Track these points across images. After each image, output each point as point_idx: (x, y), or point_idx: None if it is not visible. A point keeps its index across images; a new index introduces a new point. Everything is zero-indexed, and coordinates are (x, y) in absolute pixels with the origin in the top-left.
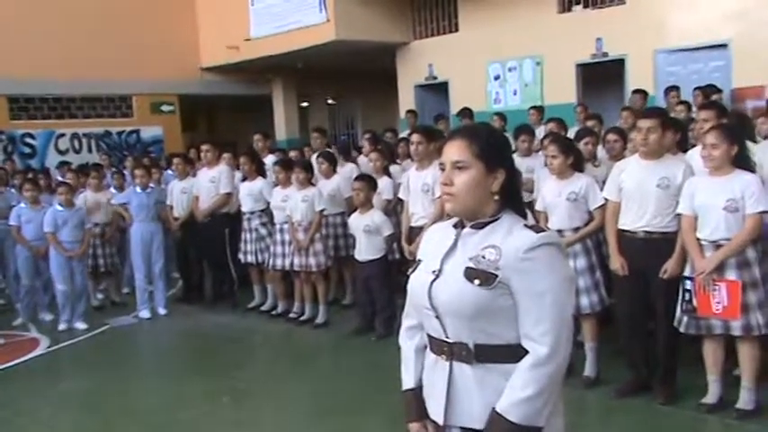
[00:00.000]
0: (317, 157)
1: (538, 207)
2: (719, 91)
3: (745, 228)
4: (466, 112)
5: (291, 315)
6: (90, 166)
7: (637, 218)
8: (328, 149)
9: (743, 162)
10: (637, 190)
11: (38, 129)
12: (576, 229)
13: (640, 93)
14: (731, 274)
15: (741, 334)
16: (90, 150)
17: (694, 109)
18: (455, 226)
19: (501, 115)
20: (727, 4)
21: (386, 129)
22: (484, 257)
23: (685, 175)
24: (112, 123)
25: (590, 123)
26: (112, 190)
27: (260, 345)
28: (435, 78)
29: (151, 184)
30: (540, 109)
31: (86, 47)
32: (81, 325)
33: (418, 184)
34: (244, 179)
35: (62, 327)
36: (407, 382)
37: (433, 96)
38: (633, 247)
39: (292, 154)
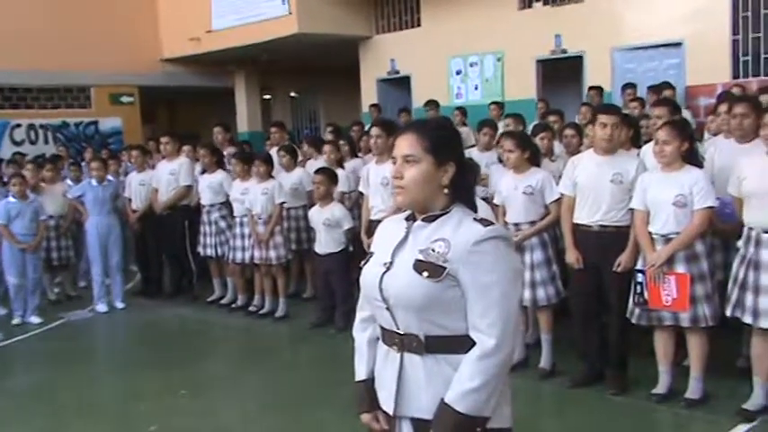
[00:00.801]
0: (279, 150)
1: (495, 201)
2: (672, 87)
3: (693, 222)
4: (432, 104)
5: (251, 308)
6: (48, 158)
7: (591, 212)
8: (290, 143)
9: (693, 158)
10: (591, 185)
11: None
12: (533, 223)
13: (596, 89)
14: (680, 268)
15: (689, 325)
16: (47, 142)
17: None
18: (407, 219)
19: (462, 110)
20: (682, 4)
21: (353, 122)
22: (433, 250)
23: (638, 171)
24: (70, 114)
25: (552, 119)
26: (69, 182)
27: (219, 338)
28: (398, 73)
29: (109, 177)
30: (500, 104)
31: (44, 36)
32: (35, 319)
33: (378, 177)
34: (203, 172)
35: (16, 321)
36: (360, 373)
37: (395, 90)
38: (588, 240)
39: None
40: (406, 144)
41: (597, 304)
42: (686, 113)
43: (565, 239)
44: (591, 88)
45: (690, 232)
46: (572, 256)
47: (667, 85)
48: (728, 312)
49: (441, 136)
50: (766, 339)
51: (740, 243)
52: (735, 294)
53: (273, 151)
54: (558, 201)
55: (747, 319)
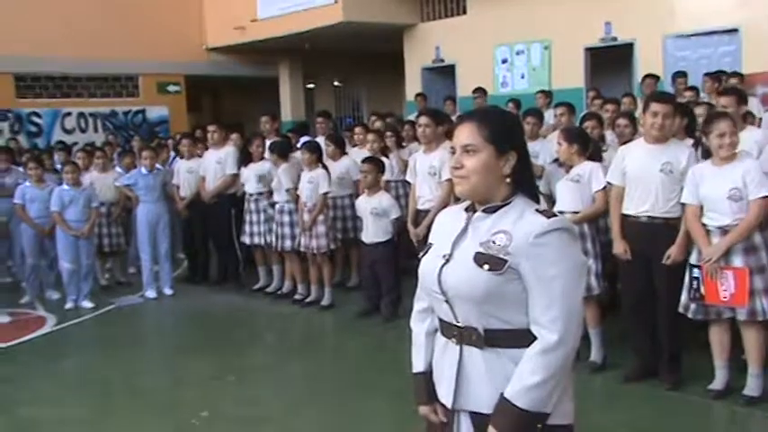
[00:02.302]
0: (325, 139)
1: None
2: (739, 75)
3: (749, 213)
4: (480, 92)
5: (297, 297)
6: (98, 146)
7: (640, 202)
8: (335, 132)
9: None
10: (640, 174)
11: (44, 107)
12: (576, 213)
13: (652, 77)
14: (738, 260)
15: (746, 319)
16: (96, 130)
17: (702, 94)
18: (466, 210)
19: (516, 101)
20: None
21: (386, 113)
22: (494, 242)
23: (689, 160)
24: (119, 103)
25: (609, 107)
26: (118, 170)
27: (265, 326)
28: (442, 61)
29: (158, 165)
30: (547, 93)
31: (93, 26)
32: (87, 304)
33: (425, 166)
34: (248, 161)
35: (69, 305)
36: (418, 365)
37: (440, 79)
38: (636, 231)
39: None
40: (466, 133)
41: (647, 297)
42: (754, 102)
43: (612, 230)
44: (647, 76)
45: (746, 224)
46: (620, 247)
47: (734, 72)
48: None
49: (501, 125)
50: None
51: None
52: None
53: (321, 140)
54: (604, 190)
55: None
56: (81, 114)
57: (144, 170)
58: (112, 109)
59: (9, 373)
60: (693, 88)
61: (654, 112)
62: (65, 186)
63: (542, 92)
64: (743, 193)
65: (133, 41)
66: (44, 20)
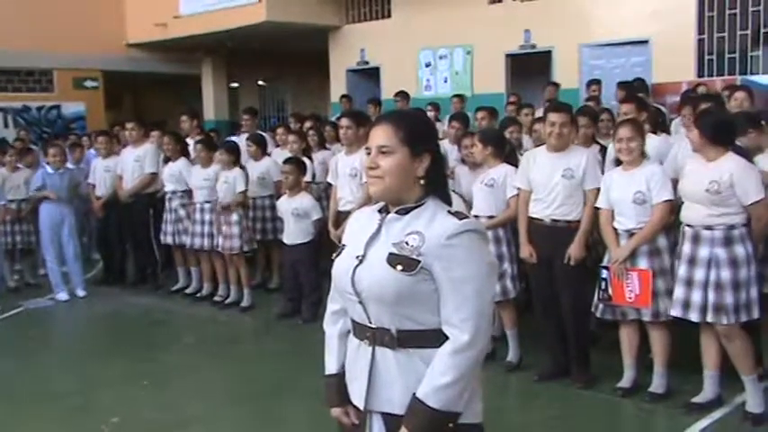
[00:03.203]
0: (247, 139)
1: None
2: (645, 85)
3: (652, 217)
4: (402, 95)
5: (216, 298)
6: (10, 143)
7: (544, 206)
8: (259, 132)
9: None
10: (543, 180)
11: None
12: (492, 218)
13: (553, 84)
14: (642, 263)
15: (650, 320)
16: (6, 126)
17: (613, 102)
18: (380, 211)
19: (435, 105)
20: (649, 2)
21: (308, 115)
22: (407, 243)
23: (588, 162)
24: (31, 98)
25: (525, 112)
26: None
27: (183, 328)
28: (367, 63)
29: (68, 165)
30: (462, 97)
31: (5, 16)
32: None
33: (346, 168)
34: (167, 160)
35: None
36: (330, 366)
37: (364, 81)
38: (540, 234)
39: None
40: (381, 134)
41: (554, 298)
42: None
43: (519, 234)
44: (548, 84)
45: (650, 226)
46: (525, 251)
47: (640, 81)
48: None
49: (416, 127)
50: (707, 332)
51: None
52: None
53: (241, 138)
54: (515, 196)
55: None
56: None
57: (50, 169)
58: (24, 104)
59: None
60: (595, 97)
61: (552, 122)
62: None
63: (457, 96)
64: (647, 196)
65: (49, 34)
66: None
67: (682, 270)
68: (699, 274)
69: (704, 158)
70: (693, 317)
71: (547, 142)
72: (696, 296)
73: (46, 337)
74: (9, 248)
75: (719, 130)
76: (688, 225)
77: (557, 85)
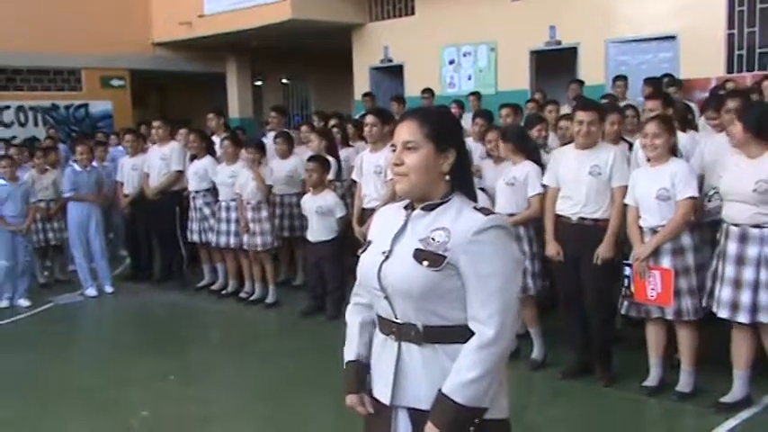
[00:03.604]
0: (275, 137)
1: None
2: (676, 80)
3: (675, 214)
4: (428, 93)
5: (241, 295)
6: (40, 141)
7: (572, 204)
8: (286, 130)
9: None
10: (571, 178)
11: None
12: (512, 215)
13: (577, 82)
14: (665, 261)
15: (672, 318)
16: (36, 124)
17: (639, 98)
18: (406, 208)
19: (459, 102)
20: None
21: (331, 113)
22: (433, 239)
23: (616, 158)
24: (60, 97)
25: (549, 109)
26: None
27: (208, 324)
28: (391, 61)
29: (94, 163)
30: (478, 95)
31: (35, 17)
32: (24, 302)
33: (371, 165)
34: (193, 158)
35: (3, 304)
36: (349, 354)
37: (387, 79)
38: (567, 232)
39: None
40: (406, 131)
41: (579, 296)
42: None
43: (546, 232)
44: (572, 81)
45: (674, 224)
46: (552, 249)
47: (670, 77)
48: (705, 304)
49: (442, 123)
50: (741, 331)
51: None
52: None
53: (268, 137)
54: (539, 195)
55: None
56: (20, 108)
57: (78, 167)
58: (53, 102)
59: None
60: (610, 95)
61: (579, 121)
62: (1, 181)
63: (473, 94)
64: (671, 193)
65: (76, 34)
66: None
67: (729, 270)
68: (748, 274)
69: (746, 155)
70: (742, 318)
71: (575, 140)
72: (745, 297)
73: (75, 332)
74: (42, 245)
75: (766, 124)
76: (733, 224)
77: (581, 82)
